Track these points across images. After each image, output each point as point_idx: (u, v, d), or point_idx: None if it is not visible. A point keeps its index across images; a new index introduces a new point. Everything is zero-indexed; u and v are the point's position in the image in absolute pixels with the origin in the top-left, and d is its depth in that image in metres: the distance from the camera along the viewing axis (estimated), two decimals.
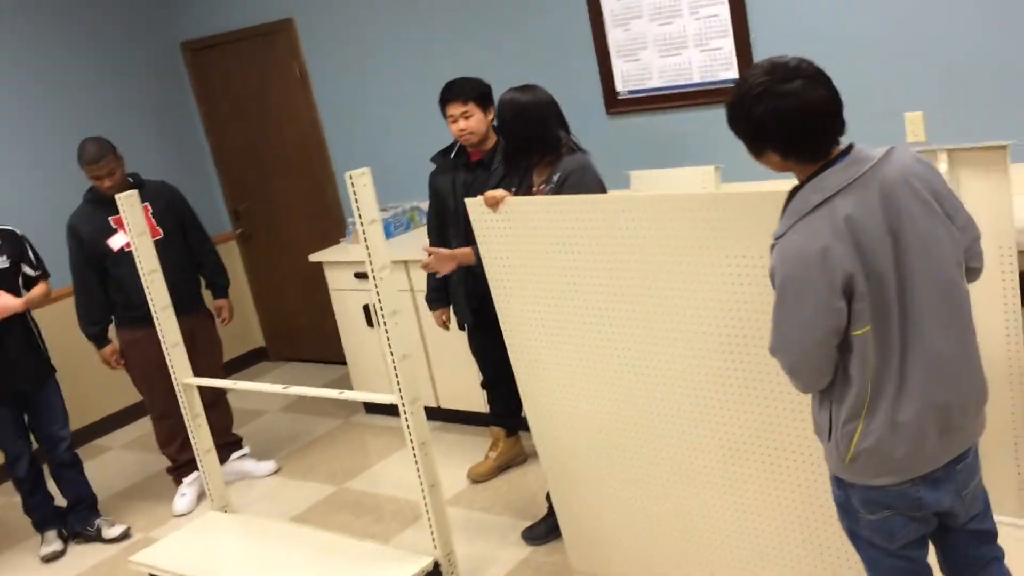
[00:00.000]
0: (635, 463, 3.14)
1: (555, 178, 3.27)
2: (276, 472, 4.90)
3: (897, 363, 2.06)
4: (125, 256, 4.24)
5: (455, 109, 3.84)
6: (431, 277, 4.14)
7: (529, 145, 3.32)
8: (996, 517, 2.39)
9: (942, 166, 2.80)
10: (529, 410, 3.38)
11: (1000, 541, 2.38)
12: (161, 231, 4.46)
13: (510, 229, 3.11)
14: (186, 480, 4.69)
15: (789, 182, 2.23)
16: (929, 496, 2.14)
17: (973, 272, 2.25)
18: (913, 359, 2.07)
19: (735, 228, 2.59)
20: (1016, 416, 3.17)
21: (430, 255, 3.65)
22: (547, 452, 3.40)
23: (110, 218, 4.33)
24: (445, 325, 4.27)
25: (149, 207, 4.43)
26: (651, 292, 2.85)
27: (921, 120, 3.72)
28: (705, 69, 4.22)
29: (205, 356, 4.58)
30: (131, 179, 4.45)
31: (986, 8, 3.55)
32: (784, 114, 2.02)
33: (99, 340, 4.49)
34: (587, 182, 3.27)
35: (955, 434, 2.15)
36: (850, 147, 2.10)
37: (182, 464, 4.68)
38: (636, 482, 3.17)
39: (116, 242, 4.36)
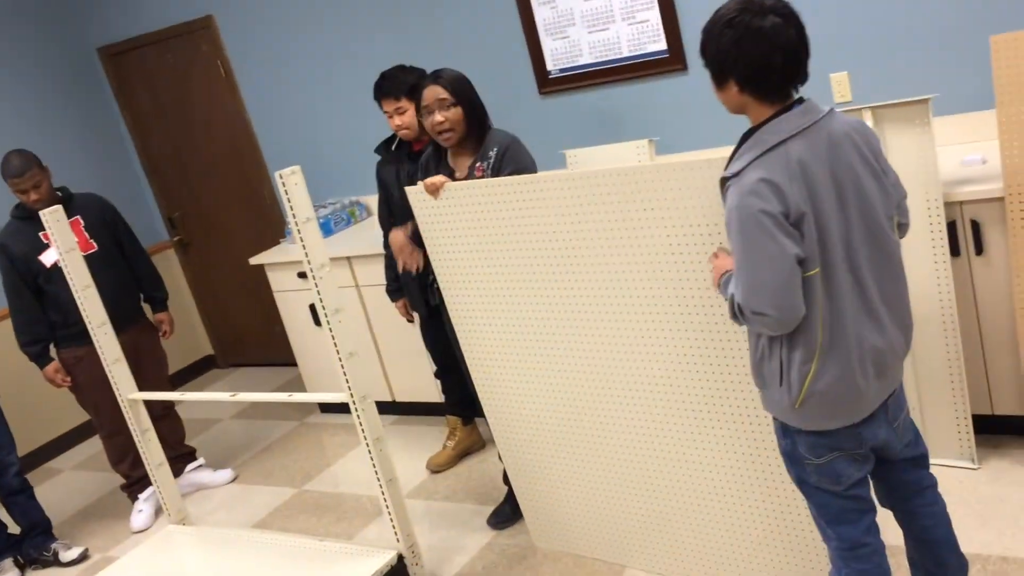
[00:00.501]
0: (589, 439, 3.21)
1: (491, 153, 3.26)
2: (234, 480, 4.90)
3: (844, 306, 2.17)
4: (59, 272, 4.13)
5: (389, 105, 3.85)
6: (389, 270, 4.17)
7: (484, 116, 3.32)
8: (937, 460, 2.49)
9: (868, 124, 2.88)
10: (482, 394, 3.43)
11: (941, 484, 2.52)
12: (95, 245, 4.42)
13: (452, 214, 3.15)
14: (141, 496, 4.67)
15: (724, 151, 2.29)
16: (867, 432, 2.27)
17: (902, 228, 2.36)
18: (857, 304, 2.18)
19: (673, 197, 2.65)
20: (951, 363, 3.29)
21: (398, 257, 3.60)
22: (502, 433, 3.46)
23: (40, 234, 4.24)
24: (409, 315, 4.29)
25: (81, 220, 4.39)
26: (596, 267, 2.91)
27: (847, 80, 3.81)
28: (633, 42, 4.27)
29: (151, 369, 4.57)
30: (59, 192, 4.39)
31: None
32: (752, 45, 2.09)
33: (41, 359, 4.43)
34: (524, 153, 3.31)
35: (888, 376, 2.28)
36: (801, 98, 2.19)
37: (136, 480, 4.65)
38: (592, 459, 3.24)
39: (48, 258, 4.29)
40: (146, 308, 4.74)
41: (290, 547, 3.66)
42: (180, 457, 4.79)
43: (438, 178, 3.13)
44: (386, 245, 4.16)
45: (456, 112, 3.25)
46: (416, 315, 4.22)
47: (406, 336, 4.68)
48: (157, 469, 4.04)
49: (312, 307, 4.98)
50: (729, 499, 2.96)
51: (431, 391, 4.76)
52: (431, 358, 4.39)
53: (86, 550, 4.49)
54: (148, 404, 4.07)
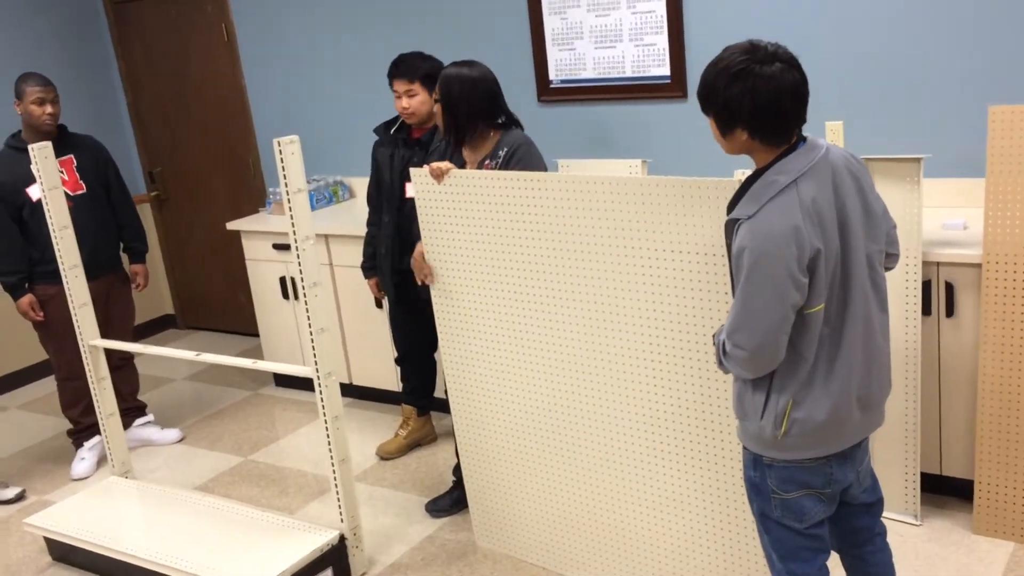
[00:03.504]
0: (548, 447, 3.19)
1: (501, 152, 3.26)
2: (180, 440, 4.81)
3: (834, 340, 2.18)
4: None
5: (400, 86, 3.83)
6: (367, 247, 4.16)
7: (474, 119, 3.30)
8: (885, 514, 2.51)
9: None
10: (450, 382, 3.40)
11: (889, 535, 2.54)
12: (84, 186, 4.34)
13: (452, 201, 3.13)
14: (87, 444, 4.57)
15: (713, 180, 2.29)
16: (838, 472, 2.28)
17: (892, 258, 2.39)
18: (847, 338, 2.19)
19: (667, 216, 2.65)
20: (908, 419, 3.32)
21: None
22: (464, 425, 3.43)
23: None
24: (380, 295, 4.24)
25: (74, 160, 4.32)
26: (582, 274, 2.90)
27: (841, 129, 3.83)
28: (638, 64, 4.27)
29: (118, 319, 4.50)
30: (62, 127, 4.33)
31: (904, 27, 3.67)
32: (761, 95, 2.09)
33: (16, 290, 4.30)
34: (534, 156, 3.31)
35: (870, 414, 2.29)
36: (804, 137, 2.20)
37: (84, 428, 4.55)
38: (547, 467, 3.22)
39: (35, 192, 4.16)
40: (123, 259, 4.65)
41: (232, 513, 3.61)
42: (130, 411, 4.70)
43: (444, 164, 3.12)
44: (369, 222, 4.13)
45: (438, 107, 3.32)
46: (384, 297, 4.19)
47: (372, 322, 4.64)
48: (108, 419, 3.96)
49: (282, 280, 4.92)
50: (678, 523, 2.95)
51: (389, 379, 4.72)
52: (394, 342, 4.36)
53: (23, 491, 4.40)
54: (108, 353, 3.99)
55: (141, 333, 6.29)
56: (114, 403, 3.98)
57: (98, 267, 4.19)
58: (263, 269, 5.06)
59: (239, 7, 5.53)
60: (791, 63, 2.13)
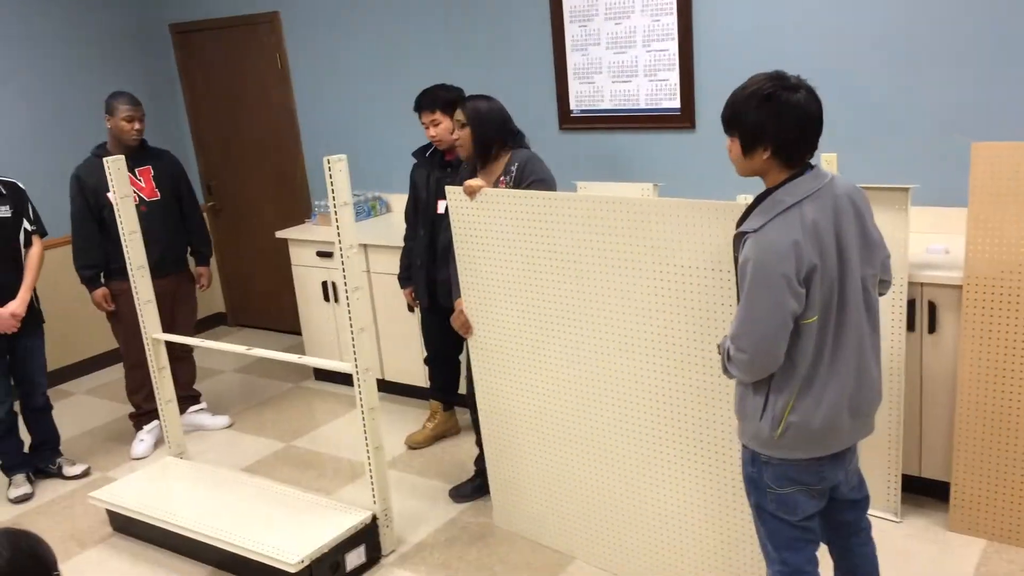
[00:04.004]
0: (566, 437, 3.20)
1: (513, 168, 3.31)
2: (229, 426, 4.84)
3: (829, 352, 2.18)
4: None
5: (425, 117, 3.88)
6: (404, 259, 4.18)
7: (490, 143, 3.35)
8: (868, 511, 2.50)
9: None
10: (477, 378, 3.40)
11: (874, 531, 2.53)
12: (159, 194, 4.40)
13: (483, 216, 3.15)
14: (146, 427, 4.61)
15: (721, 203, 2.29)
16: (829, 471, 2.28)
17: (884, 284, 2.39)
18: (842, 352, 2.20)
19: (677, 233, 2.65)
20: (891, 424, 3.30)
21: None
22: (488, 416, 3.43)
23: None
24: (413, 303, 4.26)
25: (151, 170, 4.39)
26: (601, 287, 2.90)
27: (835, 161, 3.83)
28: (651, 97, 4.28)
29: (182, 314, 4.55)
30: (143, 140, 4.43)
31: (895, 69, 3.67)
32: (787, 118, 2.10)
33: (92, 283, 4.38)
34: (542, 166, 3.34)
35: (860, 422, 2.29)
36: (811, 164, 2.21)
37: (144, 412, 4.59)
38: (564, 458, 3.23)
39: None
40: (190, 261, 4.71)
41: (275, 493, 3.62)
42: (186, 398, 4.73)
43: (476, 181, 3.15)
44: (407, 237, 4.15)
45: (466, 132, 3.35)
46: (418, 305, 4.21)
47: (404, 325, 4.66)
48: (166, 405, 3.99)
49: (324, 283, 4.95)
50: (683, 514, 2.95)
51: (418, 375, 4.73)
52: (424, 345, 4.37)
53: (88, 468, 4.43)
54: (169, 345, 4.03)
55: (196, 329, 6.33)
56: (172, 391, 4.01)
57: (167, 266, 4.30)
58: (307, 274, 5.08)
59: (293, 39, 5.58)
60: (813, 93, 2.15)
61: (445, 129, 3.82)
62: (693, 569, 2.97)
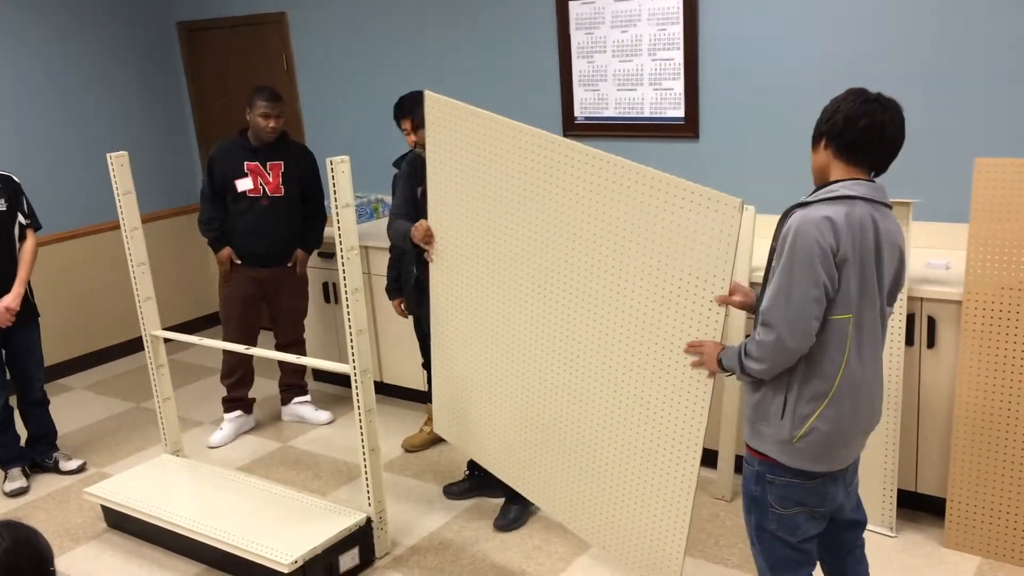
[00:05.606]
0: (516, 379, 2.97)
1: None
2: (330, 423, 4.76)
3: (858, 364, 2.18)
4: (245, 199, 4.32)
5: (404, 124, 3.90)
6: (390, 270, 4.17)
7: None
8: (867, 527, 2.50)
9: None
10: (434, 314, 3.28)
11: (866, 546, 2.53)
12: (283, 191, 4.39)
13: (460, 139, 2.98)
14: (227, 416, 4.62)
15: None
16: (832, 491, 2.27)
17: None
18: (869, 360, 2.21)
19: (681, 226, 2.52)
20: (888, 439, 3.29)
21: None
22: (439, 346, 3.29)
23: (245, 163, 4.32)
24: (404, 312, 4.26)
25: (282, 165, 4.38)
26: (573, 246, 2.70)
27: None
28: (655, 106, 4.28)
29: (287, 307, 4.60)
30: (283, 133, 4.44)
31: (901, 89, 3.67)
32: (870, 128, 2.16)
33: (217, 244, 4.44)
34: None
35: (864, 437, 2.29)
36: (875, 181, 2.24)
37: (230, 399, 4.62)
38: (513, 390, 3.00)
39: (242, 184, 4.33)
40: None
41: (270, 493, 3.62)
42: (292, 387, 4.77)
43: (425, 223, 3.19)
44: (390, 248, 4.14)
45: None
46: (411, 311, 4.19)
47: (402, 328, 4.64)
48: (163, 403, 3.98)
49: (325, 284, 4.94)
50: (625, 468, 2.68)
51: (416, 379, 4.72)
52: (421, 350, 4.36)
53: (84, 463, 4.42)
54: (278, 334, 4.38)
55: (191, 327, 6.33)
56: (170, 389, 4.00)
57: (270, 260, 4.42)
58: (309, 275, 5.07)
59: (299, 41, 5.58)
60: (900, 117, 2.20)
61: (422, 135, 3.80)
62: (622, 537, 2.73)
